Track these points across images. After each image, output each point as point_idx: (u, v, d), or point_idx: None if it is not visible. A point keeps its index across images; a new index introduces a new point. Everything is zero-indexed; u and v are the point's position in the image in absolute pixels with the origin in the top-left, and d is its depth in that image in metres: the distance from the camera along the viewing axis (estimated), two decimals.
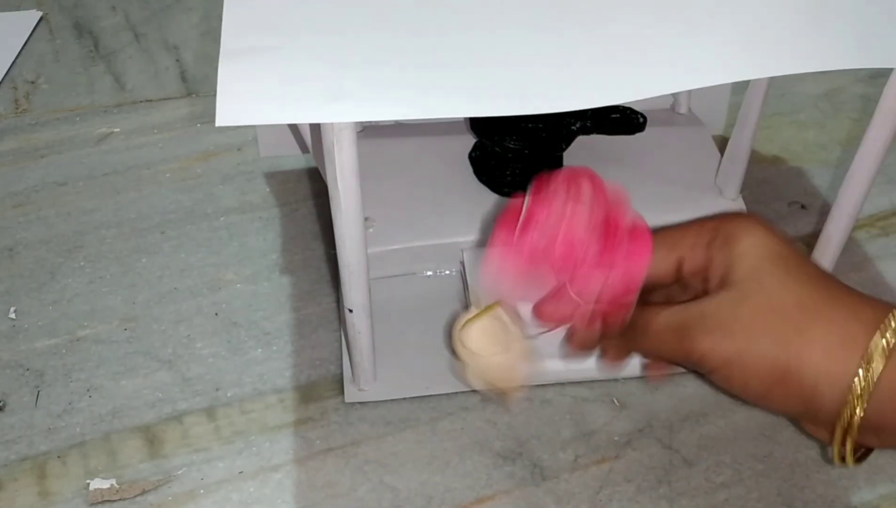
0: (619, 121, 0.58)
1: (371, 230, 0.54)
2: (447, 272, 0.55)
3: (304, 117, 0.36)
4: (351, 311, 0.45)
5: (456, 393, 0.50)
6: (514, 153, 0.55)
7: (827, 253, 0.49)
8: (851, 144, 0.68)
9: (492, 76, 0.37)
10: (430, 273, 0.55)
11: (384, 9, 0.40)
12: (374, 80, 0.37)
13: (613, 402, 0.50)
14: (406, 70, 0.37)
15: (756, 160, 0.65)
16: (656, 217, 0.55)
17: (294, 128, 0.61)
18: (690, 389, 0.50)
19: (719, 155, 0.58)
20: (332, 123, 0.37)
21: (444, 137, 0.60)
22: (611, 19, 0.40)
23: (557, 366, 0.50)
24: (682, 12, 0.40)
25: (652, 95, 0.36)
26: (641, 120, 0.59)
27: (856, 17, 0.40)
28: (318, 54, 0.37)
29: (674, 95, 0.63)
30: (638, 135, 0.57)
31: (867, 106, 0.72)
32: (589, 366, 0.50)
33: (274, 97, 0.35)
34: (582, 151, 0.58)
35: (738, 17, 0.39)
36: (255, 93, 0.36)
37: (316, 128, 0.48)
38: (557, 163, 0.58)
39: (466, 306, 0.51)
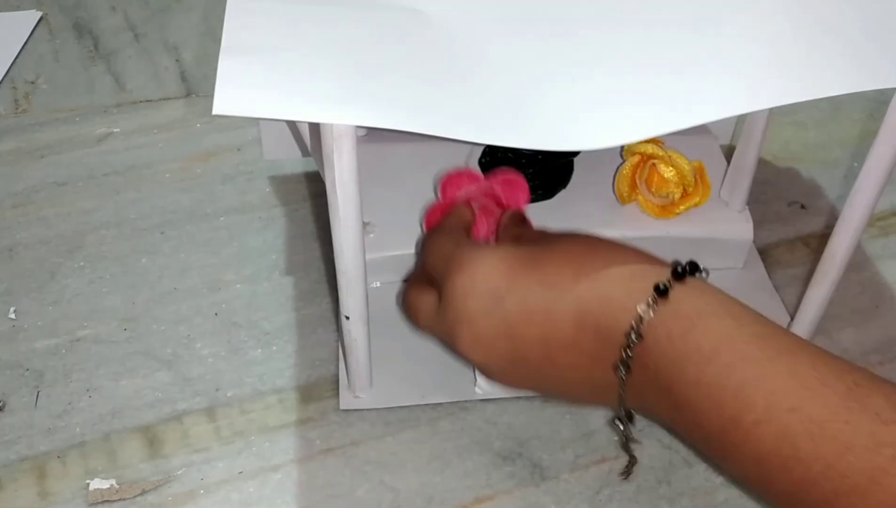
0: None
1: (371, 236, 0.54)
2: None
3: (303, 115, 0.35)
4: (347, 318, 0.45)
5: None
6: (527, 159, 0.55)
7: (831, 270, 0.47)
8: (851, 144, 0.68)
9: (500, 104, 0.37)
10: None
11: (394, 20, 0.40)
12: (379, 86, 0.36)
13: None
14: (412, 82, 0.37)
15: None
16: (662, 228, 0.55)
17: (294, 130, 0.61)
18: None
19: (726, 164, 0.57)
20: (331, 129, 0.36)
21: (446, 141, 0.60)
22: (614, 53, 0.39)
23: None
24: (681, 47, 0.39)
25: (659, 134, 0.36)
26: None
27: (856, 39, 0.39)
28: (322, 57, 0.37)
29: None
30: None
31: (867, 106, 0.72)
32: None
33: (273, 91, 0.35)
34: (591, 159, 0.58)
35: (740, 50, 0.39)
36: (255, 85, 0.35)
37: (315, 130, 0.48)
38: (568, 168, 0.57)
39: None
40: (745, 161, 0.53)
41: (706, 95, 0.37)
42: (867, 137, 0.69)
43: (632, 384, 0.37)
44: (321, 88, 0.36)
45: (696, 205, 0.55)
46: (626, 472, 0.45)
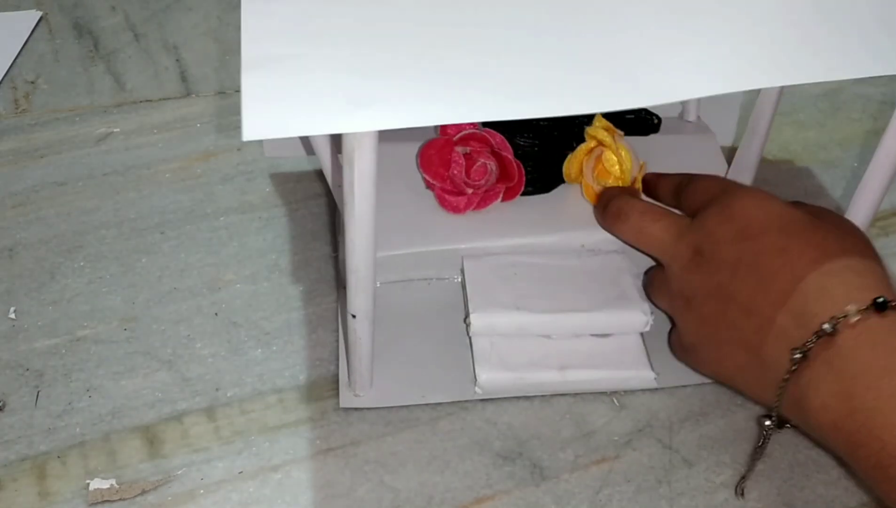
0: (634, 122, 0.58)
1: None
2: (447, 279, 0.55)
3: (333, 127, 0.34)
4: (354, 317, 0.45)
5: None
6: (525, 151, 0.55)
7: None
8: (851, 144, 0.68)
9: (515, 79, 0.37)
10: (430, 279, 0.55)
11: (406, 14, 0.40)
12: (402, 85, 0.36)
13: (613, 402, 0.50)
14: (433, 74, 0.37)
15: None
16: None
17: None
18: (690, 389, 0.50)
19: (727, 166, 0.57)
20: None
21: None
22: (622, 26, 0.40)
23: (555, 377, 0.50)
24: (691, 20, 0.40)
25: (662, 102, 0.36)
26: (656, 121, 0.58)
27: (869, 24, 0.39)
28: (341, 61, 0.37)
29: (683, 102, 0.62)
30: (645, 142, 0.57)
31: (867, 106, 0.72)
32: (589, 378, 0.50)
33: (300, 108, 0.34)
34: None
35: (748, 25, 0.39)
36: (281, 104, 0.34)
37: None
38: None
39: (466, 313, 0.51)
40: (747, 161, 0.53)
41: (707, 69, 0.37)
42: (867, 138, 0.69)
43: (803, 378, 0.38)
44: (347, 94, 0.35)
45: None
46: (740, 486, 0.45)
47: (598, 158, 0.55)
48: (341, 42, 0.38)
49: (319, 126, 0.35)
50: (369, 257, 0.42)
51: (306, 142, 0.62)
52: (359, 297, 0.44)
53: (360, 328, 0.45)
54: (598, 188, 0.55)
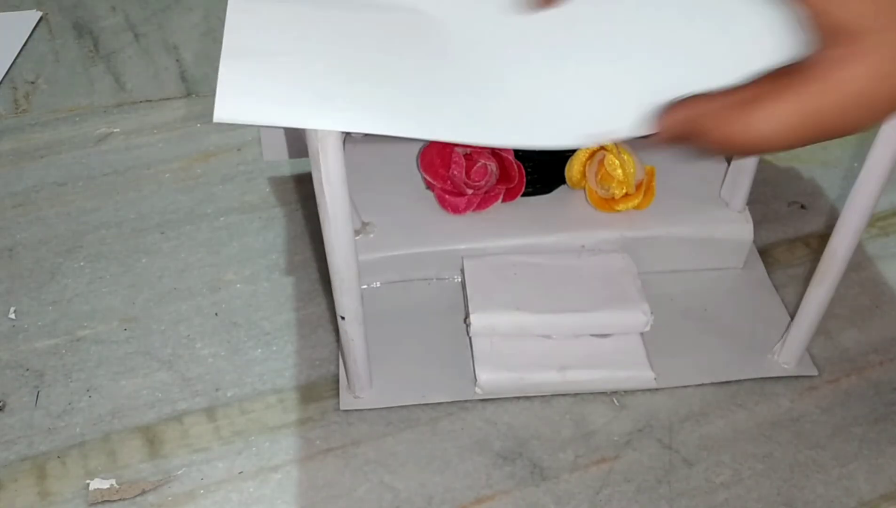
0: None
1: (372, 236, 0.54)
2: (447, 279, 0.55)
3: (298, 122, 0.36)
4: (343, 318, 0.45)
5: None
6: (525, 152, 0.55)
7: (832, 269, 0.46)
8: (851, 145, 0.68)
9: (483, 106, 0.37)
10: (430, 279, 0.55)
11: (393, 21, 0.40)
12: (369, 92, 0.37)
13: (613, 402, 0.50)
14: (402, 86, 0.37)
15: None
16: (662, 229, 0.55)
17: (292, 131, 0.61)
18: (690, 389, 0.50)
19: (727, 165, 0.57)
20: (315, 130, 0.37)
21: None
22: (576, 57, 0.39)
23: (555, 377, 0.50)
24: (640, 55, 0.39)
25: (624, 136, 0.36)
26: None
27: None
28: (319, 62, 0.37)
29: None
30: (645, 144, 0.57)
31: None
32: (589, 378, 0.50)
33: (273, 99, 0.36)
34: None
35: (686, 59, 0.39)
36: (254, 92, 0.36)
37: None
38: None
39: (467, 313, 0.51)
40: (746, 161, 0.53)
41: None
42: (867, 138, 0.68)
43: None
44: (317, 93, 0.36)
45: (636, 208, 0.55)
46: None
47: (601, 163, 0.55)
48: (319, 45, 0.38)
49: (287, 119, 0.36)
50: (350, 258, 0.42)
51: (300, 144, 0.62)
52: (344, 298, 0.44)
53: (351, 330, 0.45)
54: (602, 193, 0.55)
